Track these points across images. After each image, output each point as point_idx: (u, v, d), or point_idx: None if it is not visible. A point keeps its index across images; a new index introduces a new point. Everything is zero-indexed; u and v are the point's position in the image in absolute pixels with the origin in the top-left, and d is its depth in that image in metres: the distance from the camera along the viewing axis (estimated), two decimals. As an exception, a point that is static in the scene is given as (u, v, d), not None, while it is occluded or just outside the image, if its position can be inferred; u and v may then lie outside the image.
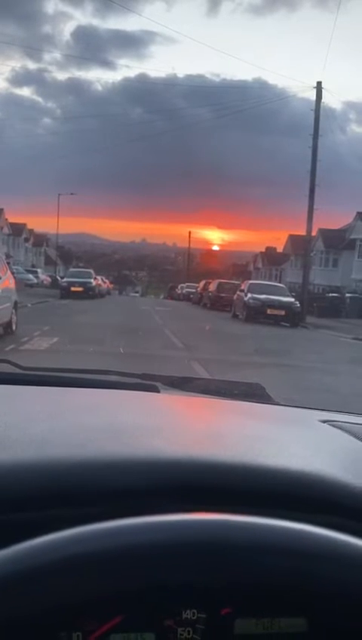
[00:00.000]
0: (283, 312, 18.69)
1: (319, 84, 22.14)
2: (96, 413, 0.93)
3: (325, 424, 0.97)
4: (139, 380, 1.22)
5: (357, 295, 31.18)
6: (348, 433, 0.90)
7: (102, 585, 0.45)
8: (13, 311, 10.53)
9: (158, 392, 1.16)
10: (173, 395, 1.20)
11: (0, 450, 0.66)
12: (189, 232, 67.14)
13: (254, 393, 1.27)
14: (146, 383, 1.18)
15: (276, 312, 18.60)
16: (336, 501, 0.62)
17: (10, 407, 0.96)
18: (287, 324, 18.35)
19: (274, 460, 0.68)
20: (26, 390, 1.09)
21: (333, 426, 0.95)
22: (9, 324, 10.26)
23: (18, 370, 1.26)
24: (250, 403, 1.19)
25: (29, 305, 18.51)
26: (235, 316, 20.10)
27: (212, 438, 0.81)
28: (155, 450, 0.68)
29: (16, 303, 10.83)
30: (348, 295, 31.49)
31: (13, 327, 10.46)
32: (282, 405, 1.24)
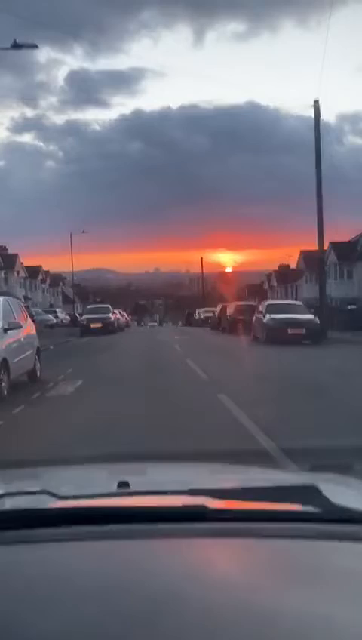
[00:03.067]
0: (303, 331, 18.54)
1: (316, 102, 22.39)
2: (129, 591, 0.86)
3: None
4: (184, 501, 1.16)
5: (376, 305, 30.85)
6: None
7: None
8: (37, 357, 10.64)
9: (205, 516, 1.09)
10: (224, 540, 1.05)
11: None
12: (201, 258, 67.96)
13: (308, 499, 1.13)
14: (191, 510, 1.11)
15: (297, 330, 18.46)
16: None
17: (26, 580, 0.89)
18: (309, 342, 18.18)
19: None
20: (51, 551, 1.01)
21: None
22: (33, 371, 10.36)
23: (53, 501, 1.18)
24: (311, 542, 1.03)
25: (51, 347, 18.69)
26: (256, 338, 19.99)
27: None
28: None
29: (38, 348, 10.94)
30: (367, 306, 31.18)
31: (38, 374, 10.54)
32: (348, 525, 1.07)
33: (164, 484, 1.62)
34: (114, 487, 1.34)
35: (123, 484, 1.33)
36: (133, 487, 1.35)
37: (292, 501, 1.17)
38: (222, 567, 0.98)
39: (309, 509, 1.13)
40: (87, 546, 1.04)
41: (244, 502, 1.18)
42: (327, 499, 1.14)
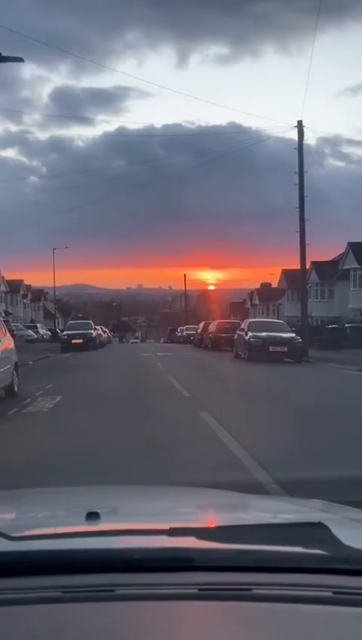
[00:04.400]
0: (285, 349, 18.56)
1: (300, 123, 22.72)
2: None
3: None
4: (164, 543, 0.96)
5: (356, 324, 31.14)
6: None
7: None
8: (15, 372, 10.39)
9: (189, 564, 0.91)
10: (214, 605, 0.84)
11: None
12: (184, 275, 67.75)
13: (315, 539, 0.95)
14: (173, 556, 0.93)
15: (278, 348, 18.47)
16: None
17: None
18: (291, 360, 18.19)
19: None
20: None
21: None
22: (11, 386, 10.11)
23: (5, 543, 0.96)
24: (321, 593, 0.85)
25: (30, 362, 18.37)
26: (237, 356, 19.95)
27: None
28: None
29: (16, 363, 10.70)
30: (347, 325, 31.44)
31: (15, 389, 10.29)
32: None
33: (140, 517, 1.44)
34: (82, 518, 1.18)
35: (92, 515, 1.17)
36: (103, 519, 1.18)
37: (295, 543, 0.96)
38: None
39: (316, 552, 0.93)
40: (33, 612, 0.81)
41: (237, 545, 0.97)
42: (338, 539, 0.95)
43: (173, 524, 1.06)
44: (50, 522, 1.39)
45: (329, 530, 0.96)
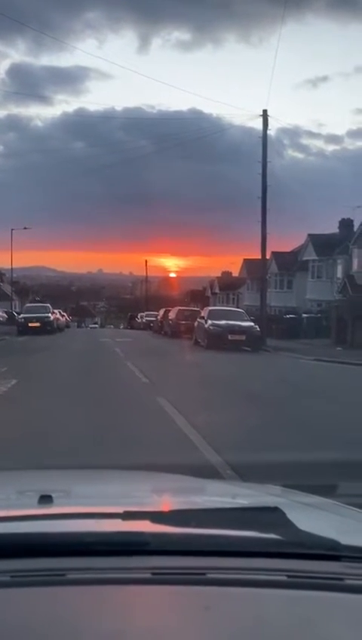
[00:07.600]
0: (243, 337, 18.78)
1: (265, 112, 22.76)
2: None
3: None
4: (118, 527, 0.95)
5: (312, 315, 31.86)
6: None
7: None
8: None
9: (148, 544, 0.89)
10: (168, 590, 0.83)
11: None
12: (146, 261, 67.69)
13: (272, 522, 0.94)
14: (126, 540, 0.90)
15: (237, 337, 18.67)
16: None
17: None
18: (249, 349, 18.43)
19: None
20: None
21: None
22: (-36, 368, 9.86)
23: None
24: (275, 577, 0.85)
25: (-15, 345, 17.95)
26: (197, 343, 20.06)
27: None
28: None
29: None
30: (304, 315, 32.11)
31: (-31, 372, 10.04)
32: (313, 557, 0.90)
33: (94, 500, 1.42)
34: (34, 501, 1.15)
35: (45, 499, 1.14)
36: (56, 502, 1.16)
37: (249, 527, 0.96)
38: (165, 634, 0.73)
39: (271, 536, 0.93)
40: None
41: (192, 529, 0.97)
42: (293, 524, 0.95)
43: (127, 508, 1.06)
44: (1, 505, 1.36)
45: (284, 515, 0.97)
